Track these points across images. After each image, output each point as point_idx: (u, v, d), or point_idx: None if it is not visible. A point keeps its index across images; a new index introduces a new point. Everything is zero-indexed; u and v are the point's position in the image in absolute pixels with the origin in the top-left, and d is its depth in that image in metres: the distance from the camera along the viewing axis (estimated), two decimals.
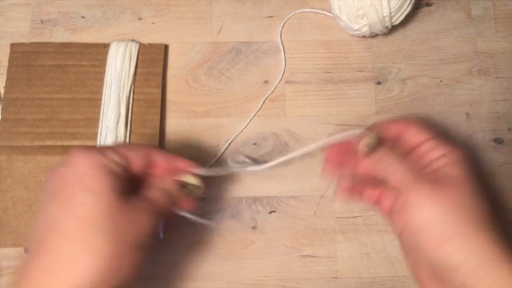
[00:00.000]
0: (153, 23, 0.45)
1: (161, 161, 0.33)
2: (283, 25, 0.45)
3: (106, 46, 0.43)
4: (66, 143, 0.41)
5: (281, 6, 0.46)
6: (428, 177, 0.31)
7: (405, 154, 0.33)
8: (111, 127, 0.40)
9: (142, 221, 0.28)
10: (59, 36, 0.44)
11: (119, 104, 0.41)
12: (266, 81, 0.44)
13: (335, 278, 0.41)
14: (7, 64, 0.43)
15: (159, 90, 0.42)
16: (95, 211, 0.26)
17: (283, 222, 0.41)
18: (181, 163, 0.33)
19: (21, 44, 0.43)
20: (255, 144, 0.43)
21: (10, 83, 0.42)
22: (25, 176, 0.40)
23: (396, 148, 0.34)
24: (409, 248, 0.31)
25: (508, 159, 0.43)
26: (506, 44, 0.45)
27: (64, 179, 0.27)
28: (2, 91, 0.43)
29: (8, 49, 0.43)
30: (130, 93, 0.42)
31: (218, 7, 0.45)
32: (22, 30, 0.44)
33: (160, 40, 0.44)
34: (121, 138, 0.40)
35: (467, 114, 0.44)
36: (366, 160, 0.33)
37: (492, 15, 0.46)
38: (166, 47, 0.44)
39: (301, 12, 0.46)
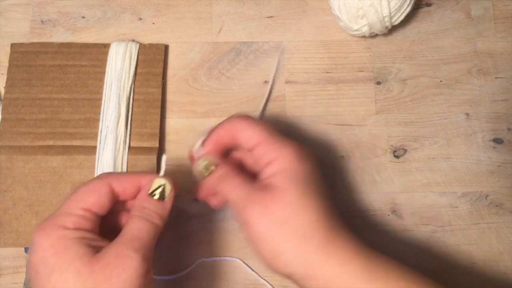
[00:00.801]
0: (153, 23, 0.45)
1: (127, 189, 0.31)
2: (283, 25, 0.45)
3: (106, 46, 0.43)
4: (67, 143, 0.41)
5: (281, 6, 0.46)
6: (259, 190, 0.31)
7: (244, 160, 0.35)
8: (111, 127, 0.40)
9: (127, 266, 0.27)
10: (60, 36, 0.44)
11: (119, 104, 0.41)
12: (266, 81, 0.44)
13: None
14: (7, 64, 0.43)
15: (159, 90, 0.42)
16: (67, 284, 0.26)
17: None
18: (144, 178, 0.32)
19: (22, 44, 0.43)
20: None
21: (10, 83, 0.42)
22: (25, 176, 0.40)
23: (237, 153, 0.35)
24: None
25: (508, 159, 0.43)
26: (506, 44, 0.45)
27: (34, 267, 0.27)
28: (2, 91, 0.43)
29: (8, 49, 0.43)
30: (130, 93, 0.42)
31: (218, 7, 0.45)
32: (22, 30, 0.44)
33: (160, 40, 0.45)
34: (121, 138, 0.40)
35: (467, 114, 0.44)
36: (206, 181, 0.33)
37: (492, 15, 0.46)
38: (166, 47, 0.44)
39: (301, 12, 0.46)
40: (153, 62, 0.43)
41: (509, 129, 0.44)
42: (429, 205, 0.42)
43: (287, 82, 0.44)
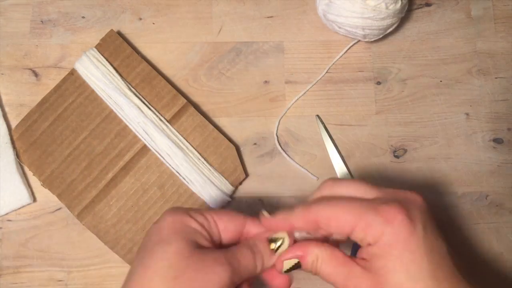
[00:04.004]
0: (153, 23, 0.45)
1: (253, 231, 0.30)
2: (283, 25, 0.45)
3: (73, 72, 0.42)
4: (121, 164, 0.41)
5: (281, 6, 0.46)
6: (360, 273, 0.27)
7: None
8: (140, 120, 0.40)
9: (217, 272, 0.27)
10: (60, 36, 0.44)
11: (128, 98, 0.41)
12: (266, 81, 0.44)
13: None
14: (7, 64, 0.43)
15: (145, 64, 0.42)
16: (165, 262, 0.27)
17: None
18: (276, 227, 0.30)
19: (17, 127, 0.41)
20: (255, 144, 0.43)
21: (35, 165, 0.40)
22: (117, 214, 0.40)
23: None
24: None
25: (508, 159, 0.43)
26: (506, 44, 0.45)
27: (149, 233, 0.29)
28: (3, 91, 0.42)
29: (8, 49, 0.43)
30: (127, 85, 0.41)
31: (218, 7, 0.45)
32: (22, 30, 0.44)
33: (160, 40, 0.44)
34: (157, 120, 0.40)
35: (467, 114, 0.44)
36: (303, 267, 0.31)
37: (492, 15, 0.46)
38: (112, 31, 0.43)
39: (301, 12, 0.46)
40: (117, 49, 0.42)
41: (509, 129, 0.44)
42: (429, 205, 0.42)
43: (287, 82, 0.44)
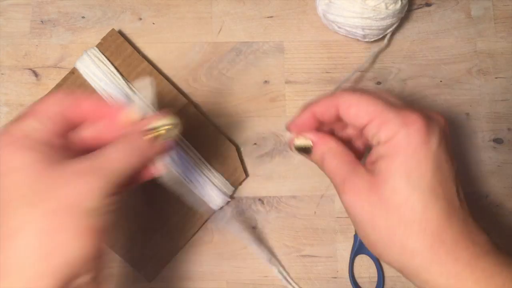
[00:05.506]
0: (153, 23, 0.45)
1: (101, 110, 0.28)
2: (283, 25, 0.45)
3: (74, 71, 0.42)
4: None
5: (281, 6, 0.46)
6: (359, 174, 0.27)
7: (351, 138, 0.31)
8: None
9: (82, 183, 0.24)
10: (59, 36, 0.44)
11: (131, 99, 0.41)
12: (266, 81, 0.44)
13: (335, 278, 0.41)
14: (7, 64, 0.43)
15: (146, 63, 0.42)
16: (17, 187, 0.24)
17: (283, 222, 0.41)
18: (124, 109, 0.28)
19: None
20: (255, 144, 0.43)
21: None
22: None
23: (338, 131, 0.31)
24: None
25: (508, 159, 0.43)
26: (506, 44, 0.45)
27: None
28: (2, 91, 0.43)
29: (8, 49, 0.43)
30: (128, 85, 0.41)
31: (218, 7, 0.45)
32: (22, 30, 0.44)
33: (160, 40, 0.44)
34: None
35: (467, 114, 0.44)
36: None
37: (492, 15, 0.46)
38: (113, 30, 0.43)
39: (301, 12, 0.46)
40: (118, 48, 0.42)
41: (509, 129, 0.44)
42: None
43: (287, 82, 0.44)
